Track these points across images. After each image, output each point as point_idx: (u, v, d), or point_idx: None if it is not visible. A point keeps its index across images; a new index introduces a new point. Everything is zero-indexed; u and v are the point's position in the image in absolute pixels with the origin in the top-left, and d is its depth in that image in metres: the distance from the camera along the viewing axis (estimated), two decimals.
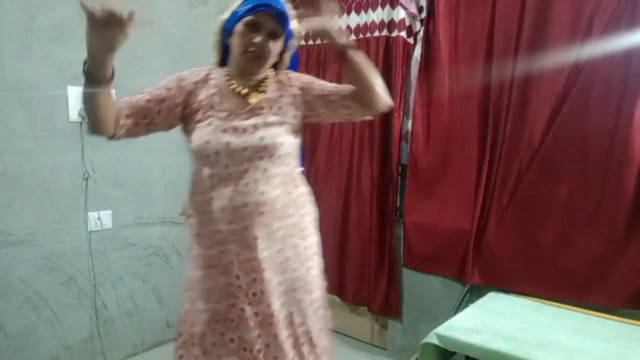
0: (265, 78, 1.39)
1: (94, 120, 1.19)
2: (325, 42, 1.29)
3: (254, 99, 1.34)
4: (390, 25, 2.34)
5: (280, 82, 1.40)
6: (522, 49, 1.98)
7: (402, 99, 2.35)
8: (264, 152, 1.29)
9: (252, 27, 1.27)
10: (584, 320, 1.74)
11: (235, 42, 1.31)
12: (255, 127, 1.30)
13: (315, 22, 1.26)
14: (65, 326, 2.14)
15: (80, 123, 2.10)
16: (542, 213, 1.96)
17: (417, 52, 2.33)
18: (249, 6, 1.26)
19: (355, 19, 2.47)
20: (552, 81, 1.92)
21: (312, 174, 2.65)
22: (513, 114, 2.01)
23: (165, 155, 2.49)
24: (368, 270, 2.48)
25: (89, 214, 2.18)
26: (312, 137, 2.67)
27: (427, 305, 2.36)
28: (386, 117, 2.38)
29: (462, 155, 2.18)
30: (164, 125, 1.37)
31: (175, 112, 1.34)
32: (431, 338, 1.65)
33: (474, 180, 2.15)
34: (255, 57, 1.29)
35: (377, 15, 2.38)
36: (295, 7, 1.66)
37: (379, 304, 2.45)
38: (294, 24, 1.35)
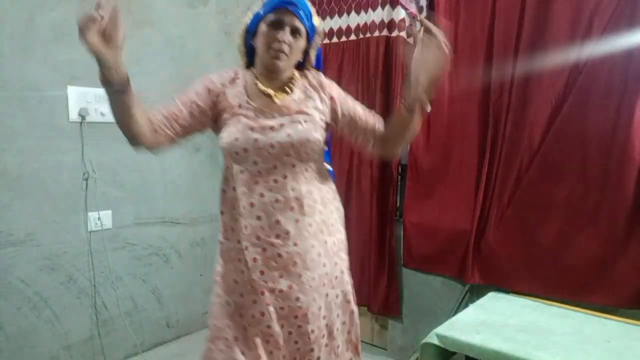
0: (292, 78, 1.41)
1: (129, 130, 1.22)
2: (411, 84, 1.25)
3: (280, 99, 1.36)
4: (390, 25, 2.34)
5: (309, 84, 1.42)
6: (522, 49, 1.98)
7: None
8: (291, 148, 1.32)
9: (275, 26, 1.29)
10: (584, 320, 1.74)
11: (259, 42, 1.33)
12: (282, 125, 1.32)
13: (428, 60, 1.23)
14: (65, 326, 2.14)
15: (80, 123, 2.10)
16: (542, 213, 1.96)
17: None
18: (271, 5, 1.29)
19: (355, 19, 2.47)
20: (552, 81, 1.92)
21: None
22: (513, 114, 2.01)
23: (165, 155, 2.49)
24: (368, 270, 2.48)
25: (89, 214, 2.18)
26: None
27: (427, 305, 2.36)
28: (386, 117, 2.37)
29: (462, 155, 2.18)
30: (200, 128, 1.41)
31: (208, 113, 1.38)
32: (431, 338, 1.65)
33: (474, 180, 2.15)
34: (279, 54, 1.30)
35: (377, 15, 2.38)
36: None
37: (379, 304, 2.45)
38: (316, 20, 1.38)
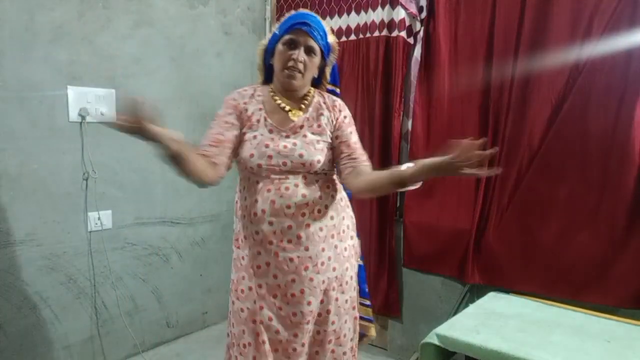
0: (307, 94, 1.47)
1: (192, 178, 1.28)
2: (414, 167, 1.21)
3: (295, 117, 1.43)
4: (390, 25, 2.34)
5: (324, 102, 1.48)
6: (522, 48, 1.98)
7: (402, 99, 2.35)
8: (302, 167, 1.38)
9: (291, 45, 1.36)
10: (584, 320, 1.74)
11: (276, 61, 1.40)
12: (295, 145, 1.39)
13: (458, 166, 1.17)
14: (65, 326, 2.14)
15: (80, 123, 2.10)
16: (542, 213, 1.96)
17: (417, 52, 2.32)
18: (287, 26, 1.38)
19: (355, 19, 2.47)
20: (552, 81, 1.92)
21: None
22: (513, 114, 2.01)
23: None
24: (368, 270, 2.47)
25: (89, 214, 2.17)
26: None
27: (427, 305, 2.36)
28: (386, 117, 2.38)
29: None
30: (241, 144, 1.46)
31: (239, 128, 1.44)
32: (431, 338, 1.65)
33: (473, 181, 2.15)
34: (294, 73, 1.37)
35: (377, 15, 2.38)
36: None
37: (379, 304, 2.45)
38: (331, 39, 1.45)
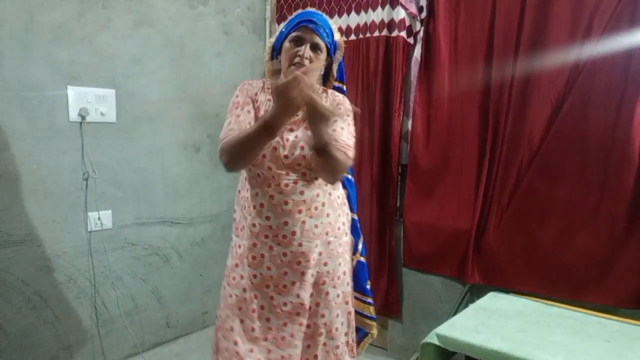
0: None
1: (246, 161, 1.35)
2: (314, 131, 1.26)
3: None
4: (390, 25, 2.34)
5: (325, 98, 1.50)
6: (522, 49, 1.98)
7: (402, 99, 2.35)
8: (303, 161, 1.40)
9: (297, 42, 1.39)
10: (584, 320, 1.74)
11: (282, 58, 1.43)
12: (297, 137, 1.41)
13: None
14: (65, 326, 2.14)
15: (80, 123, 2.10)
16: (542, 213, 1.96)
17: (417, 52, 2.32)
18: (294, 24, 1.41)
19: (355, 19, 2.47)
20: (552, 81, 1.92)
21: None
22: (513, 114, 2.01)
23: (165, 155, 2.49)
24: (368, 270, 2.47)
25: (89, 214, 2.18)
26: None
27: (427, 305, 2.36)
28: (386, 117, 2.38)
29: (462, 155, 2.18)
30: None
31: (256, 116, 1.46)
32: (431, 338, 1.65)
33: (474, 181, 2.15)
34: (299, 68, 1.36)
35: (377, 15, 2.38)
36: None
37: (379, 304, 2.44)
38: (337, 37, 1.47)
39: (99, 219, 2.20)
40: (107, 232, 2.25)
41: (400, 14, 2.29)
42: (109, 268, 2.26)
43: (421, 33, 2.29)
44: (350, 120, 1.49)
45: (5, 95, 1.89)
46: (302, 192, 1.41)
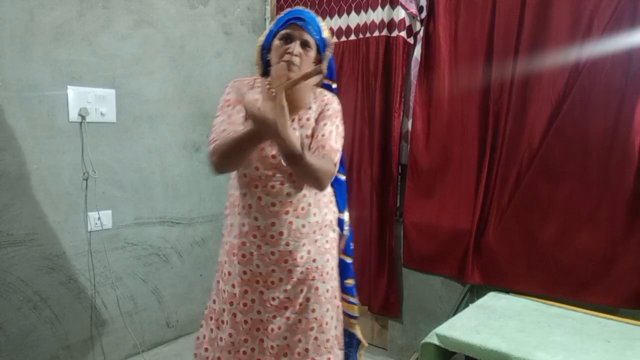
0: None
1: (235, 165, 1.39)
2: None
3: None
4: (390, 25, 2.34)
5: (314, 98, 1.51)
6: (522, 49, 1.98)
7: (402, 99, 2.35)
8: None
9: (286, 40, 1.40)
10: (584, 320, 1.74)
11: (272, 55, 1.44)
12: None
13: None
14: (65, 326, 2.14)
15: (80, 123, 2.10)
16: (542, 213, 1.96)
17: (417, 52, 2.32)
18: (282, 21, 1.42)
19: (355, 19, 2.47)
20: (552, 81, 1.92)
21: None
22: (513, 114, 2.01)
23: (165, 155, 2.49)
24: (368, 270, 2.48)
25: (89, 214, 2.18)
26: None
27: (427, 305, 2.36)
28: (386, 117, 2.38)
29: (462, 155, 2.18)
30: None
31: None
32: (431, 338, 1.65)
33: (474, 180, 2.15)
34: (290, 65, 1.39)
35: (377, 15, 2.38)
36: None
37: (379, 304, 2.45)
38: (326, 34, 1.48)
39: (99, 219, 2.20)
40: (107, 232, 2.25)
41: (400, 14, 2.29)
42: (109, 268, 2.26)
43: (421, 33, 2.29)
44: (339, 121, 1.50)
45: (5, 95, 1.89)
46: (289, 194, 1.44)
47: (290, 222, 1.46)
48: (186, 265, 2.65)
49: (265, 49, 1.50)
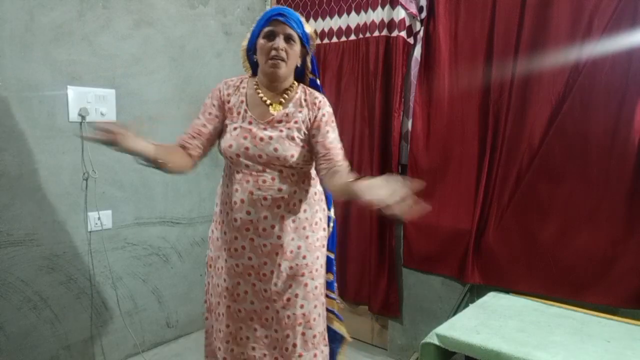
0: (290, 89, 1.54)
1: (174, 173, 1.48)
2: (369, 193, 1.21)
3: (275, 111, 1.51)
4: (390, 25, 2.34)
5: (304, 99, 1.54)
6: (522, 49, 1.98)
7: (402, 99, 2.35)
8: (277, 161, 1.48)
9: (270, 37, 1.44)
10: (584, 320, 1.74)
11: (259, 54, 1.48)
12: (271, 138, 1.47)
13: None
14: (65, 326, 2.14)
15: (80, 123, 2.10)
16: (542, 213, 1.96)
17: (417, 52, 2.32)
18: (263, 20, 1.46)
19: (355, 19, 2.47)
20: (552, 81, 1.91)
21: None
22: (513, 114, 2.01)
23: None
24: (368, 270, 2.48)
25: (89, 214, 2.18)
26: None
27: (427, 305, 2.36)
28: (386, 117, 2.38)
29: (462, 155, 2.18)
30: (221, 133, 1.58)
31: (221, 119, 1.57)
32: (431, 338, 1.65)
33: (474, 180, 2.15)
34: (277, 62, 1.43)
35: (377, 15, 2.37)
36: None
37: (379, 304, 2.45)
38: (307, 28, 1.51)
39: (99, 219, 2.20)
40: (107, 232, 2.25)
41: (400, 14, 2.29)
42: (109, 268, 2.26)
43: (421, 33, 2.29)
44: (334, 123, 1.55)
45: (5, 95, 1.89)
46: (279, 189, 1.49)
47: (282, 217, 1.51)
48: (186, 265, 2.65)
49: (251, 50, 1.54)
